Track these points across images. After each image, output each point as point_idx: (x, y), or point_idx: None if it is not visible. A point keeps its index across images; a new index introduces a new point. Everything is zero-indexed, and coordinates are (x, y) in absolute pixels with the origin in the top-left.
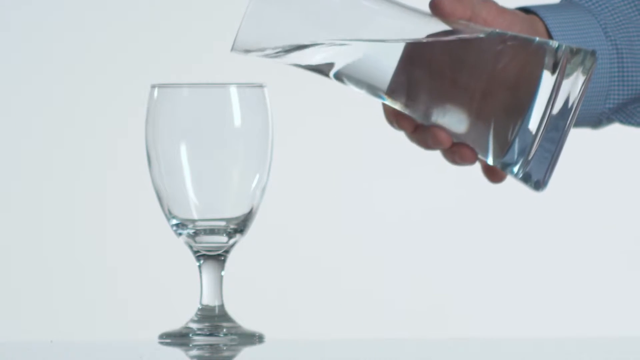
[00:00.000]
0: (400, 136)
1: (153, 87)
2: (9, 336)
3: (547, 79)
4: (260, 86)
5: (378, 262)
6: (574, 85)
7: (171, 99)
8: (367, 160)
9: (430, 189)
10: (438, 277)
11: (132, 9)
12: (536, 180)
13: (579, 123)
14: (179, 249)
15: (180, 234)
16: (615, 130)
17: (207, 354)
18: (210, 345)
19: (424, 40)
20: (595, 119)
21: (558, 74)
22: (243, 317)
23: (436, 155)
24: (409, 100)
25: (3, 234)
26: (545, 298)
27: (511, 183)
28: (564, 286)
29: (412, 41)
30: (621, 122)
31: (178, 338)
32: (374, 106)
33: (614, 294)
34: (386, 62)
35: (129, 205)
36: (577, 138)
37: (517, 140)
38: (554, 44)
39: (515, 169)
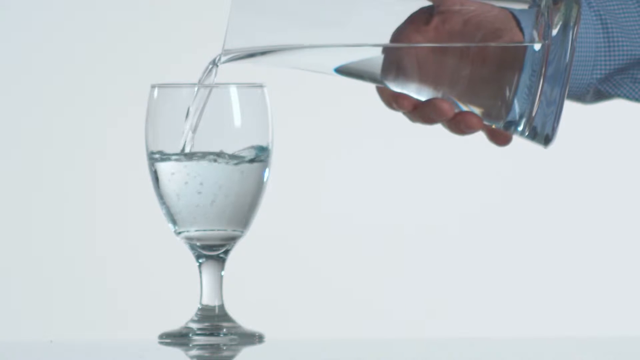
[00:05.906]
0: (400, 137)
1: (153, 87)
2: (9, 336)
3: (536, 32)
4: (260, 86)
5: (378, 263)
6: (564, 34)
7: (171, 99)
8: (368, 160)
9: (430, 191)
10: (438, 278)
11: (131, 9)
12: (545, 135)
13: (567, 95)
14: (179, 249)
15: (179, 233)
16: (615, 130)
17: (207, 354)
18: (210, 345)
19: (410, 46)
20: (582, 90)
21: (546, 26)
22: (243, 317)
23: (434, 156)
24: (405, 79)
25: (2, 235)
26: (545, 298)
27: (509, 182)
28: (563, 286)
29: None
30: (609, 92)
31: (178, 338)
32: (374, 106)
33: (614, 294)
34: (375, 49)
35: (128, 205)
36: (576, 138)
37: (517, 98)
38: None
39: (520, 127)
